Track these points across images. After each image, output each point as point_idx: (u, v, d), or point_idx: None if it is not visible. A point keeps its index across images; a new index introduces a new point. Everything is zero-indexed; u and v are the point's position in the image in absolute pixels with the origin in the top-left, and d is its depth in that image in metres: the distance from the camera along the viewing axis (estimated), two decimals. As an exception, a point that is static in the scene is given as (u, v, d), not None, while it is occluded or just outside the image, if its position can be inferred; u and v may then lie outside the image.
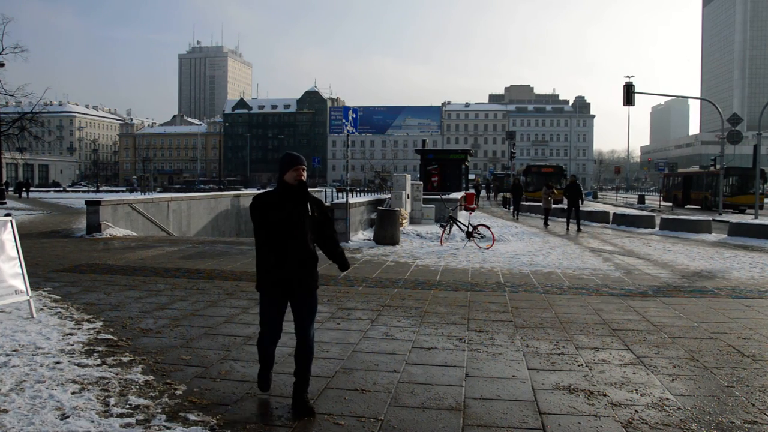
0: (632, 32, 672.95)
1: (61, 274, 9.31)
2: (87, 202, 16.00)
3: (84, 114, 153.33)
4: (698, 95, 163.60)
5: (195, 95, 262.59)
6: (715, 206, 33.32)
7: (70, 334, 5.71)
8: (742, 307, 7.60)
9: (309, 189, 3.98)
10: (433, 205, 19.99)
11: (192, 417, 3.80)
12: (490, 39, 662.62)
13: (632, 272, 10.42)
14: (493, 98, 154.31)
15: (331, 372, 4.75)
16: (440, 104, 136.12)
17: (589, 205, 25.70)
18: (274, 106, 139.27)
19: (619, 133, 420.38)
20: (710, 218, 20.53)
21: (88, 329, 5.92)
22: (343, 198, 18.76)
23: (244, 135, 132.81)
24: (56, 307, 6.93)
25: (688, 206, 40.76)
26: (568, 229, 19.71)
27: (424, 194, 20.53)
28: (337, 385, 4.46)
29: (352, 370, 4.81)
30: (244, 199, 25.81)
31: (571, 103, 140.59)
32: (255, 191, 39.07)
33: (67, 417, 3.76)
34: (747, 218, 23.78)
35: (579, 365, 5.02)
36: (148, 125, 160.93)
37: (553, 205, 23.46)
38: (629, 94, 28.66)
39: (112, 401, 4.04)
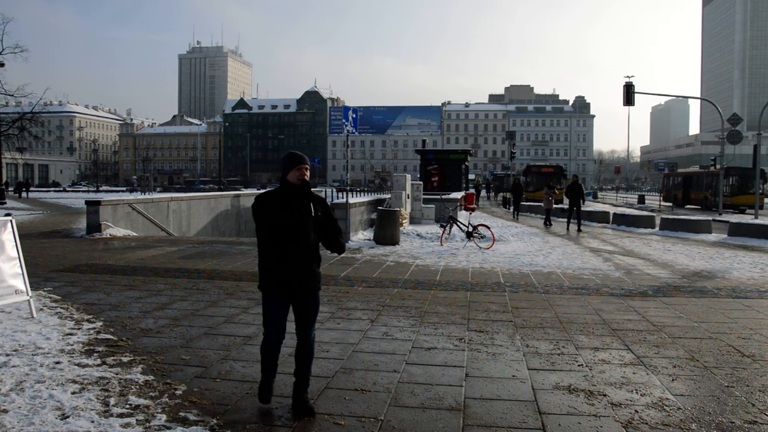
0: (632, 32, 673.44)
1: (61, 274, 9.31)
2: (87, 202, 16.00)
3: (84, 114, 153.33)
4: (698, 95, 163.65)
5: (195, 95, 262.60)
6: (715, 206, 33.32)
7: (70, 334, 5.71)
8: (742, 307, 7.60)
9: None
10: (433, 205, 19.99)
11: (192, 417, 3.80)
12: (490, 39, 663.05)
13: (632, 272, 10.42)
14: (493, 98, 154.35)
15: (331, 372, 4.75)
16: (440, 104, 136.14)
17: (589, 205, 25.75)
18: (274, 106, 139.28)
19: (619, 133, 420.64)
20: (710, 218, 20.54)
21: (88, 329, 5.92)
22: (343, 198, 18.76)
23: (244, 135, 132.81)
24: (56, 307, 6.93)
25: (688, 206, 40.76)
26: (568, 228, 19.71)
27: (424, 194, 20.53)
28: (337, 385, 4.45)
29: (352, 370, 4.81)
30: (244, 199, 25.81)
31: (571, 103, 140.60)
32: (255, 191, 39.06)
33: (67, 417, 3.76)
34: (747, 218, 23.78)
35: (579, 365, 5.02)
36: (148, 125, 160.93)
37: (554, 206, 23.32)
38: (629, 94, 28.66)
39: (112, 401, 4.04)
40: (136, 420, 3.75)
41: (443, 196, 21.41)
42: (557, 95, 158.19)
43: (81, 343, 5.44)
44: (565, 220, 20.82)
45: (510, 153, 58.11)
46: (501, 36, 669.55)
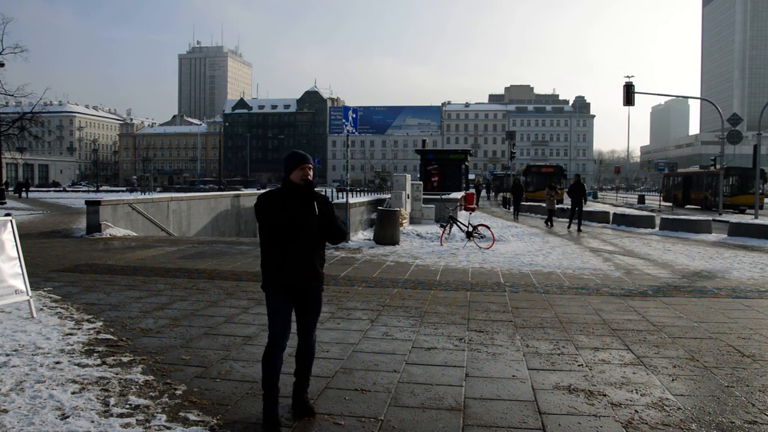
0: (632, 32, 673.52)
1: (61, 274, 9.31)
2: (87, 202, 16.00)
3: (84, 114, 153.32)
4: (698, 95, 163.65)
5: (195, 95, 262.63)
6: (715, 206, 33.32)
7: (70, 334, 5.71)
8: (742, 307, 7.60)
9: None
10: (433, 205, 19.99)
11: (192, 417, 3.80)
12: (490, 39, 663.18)
13: (632, 272, 10.42)
14: (493, 98, 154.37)
15: (331, 372, 4.75)
16: (440, 104, 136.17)
17: (589, 205, 25.69)
18: (274, 106, 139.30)
19: (619, 133, 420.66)
20: (710, 218, 20.54)
21: (88, 329, 5.92)
22: (343, 198, 18.76)
23: (244, 135, 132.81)
24: (56, 307, 6.93)
25: (688, 206, 40.76)
26: (569, 228, 19.66)
27: (424, 194, 20.53)
28: (337, 385, 4.45)
29: (352, 370, 4.81)
30: (244, 199, 25.81)
31: (571, 103, 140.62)
32: (255, 191, 39.07)
33: (67, 417, 3.76)
34: (747, 218, 23.78)
35: (579, 365, 5.02)
36: (148, 125, 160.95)
37: (557, 206, 23.08)
38: (629, 94, 28.66)
39: (112, 401, 4.04)
40: (136, 420, 3.75)
41: (443, 196, 21.41)
42: (557, 95, 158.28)
43: (81, 343, 5.44)
44: (567, 220, 20.79)
45: (510, 153, 58.09)
46: (501, 36, 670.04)
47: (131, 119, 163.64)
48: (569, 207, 21.29)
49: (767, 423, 3.86)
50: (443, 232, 14.87)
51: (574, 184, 19.83)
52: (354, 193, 46.98)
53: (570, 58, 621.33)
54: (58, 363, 4.82)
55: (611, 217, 23.29)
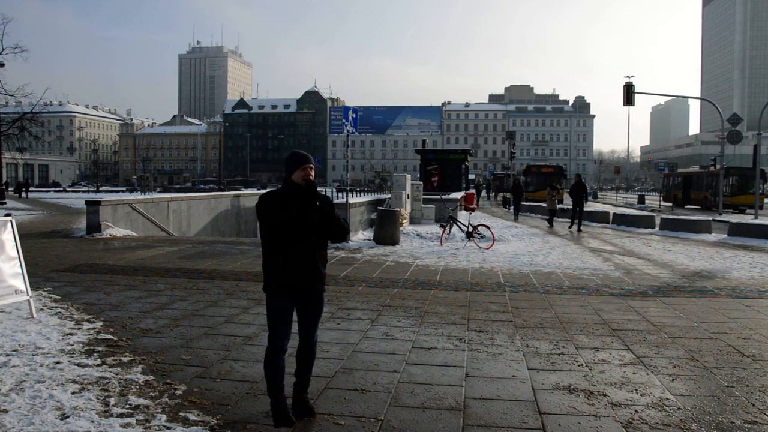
0: (632, 32, 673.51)
1: (61, 274, 9.31)
2: (87, 202, 16.00)
3: (84, 114, 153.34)
4: (698, 95, 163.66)
5: (195, 95, 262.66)
6: (715, 206, 33.32)
7: (70, 334, 5.71)
8: (742, 307, 7.60)
9: None
10: (433, 205, 19.99)
11: (192, 417, 3.80)
12: (490, 39, 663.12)
13: (632, 272, 10.41)
14: (493, 98, 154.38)
15: (331, 372, 4.75)
16: (440, 104, 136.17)
17: (589, 205, 25.75)
18: (274, 106, 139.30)
19: (619, 133, 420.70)
20: (710, 218, 20.54)
21: (88, 329, 5.92)
22: (343, 198, 18.77)
23: (244, 135, 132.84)
24: (56, 307, 6.93)
25: (688, 206, 40.76)
26: (571, 228, 19.58)
27: (424, 194, 20.54)
28: (337, 385, 4.46)
29: (352, 370, 4.81)
30: (244, 199, 25.80)
31: (571, 103, 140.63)
32: (255, 191, 39.07)
33: (67, 417, 3.76)
34: (747, 218, 23.78)
35: (579, 365, 5.02)
36: (148, 125, 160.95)
37: (558, 206, 22.88)
38: (629, 94, 28.66)
39: (112, 401, 4.04)
40: (136, 420, 3.75)
41: (443, 196, 21.42)
42: (557, 95, 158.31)
43: (81, 343, 5.44)
44: (569, 220, 20.74)
45: (510, 153, 58.11)
46: (501, 36, 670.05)
47: (131, 119, 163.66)
48: (570, 207, 21.26)
49: (767, 423, 3.86)
50: (443, 232, 14.87)
51: (576, 184, 19.79)
52: (354, 193, 46.96)
53: (570, 58, 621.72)
54: (58, 363, 4.82)
55: (611, 217, 23.28)
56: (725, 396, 4.34)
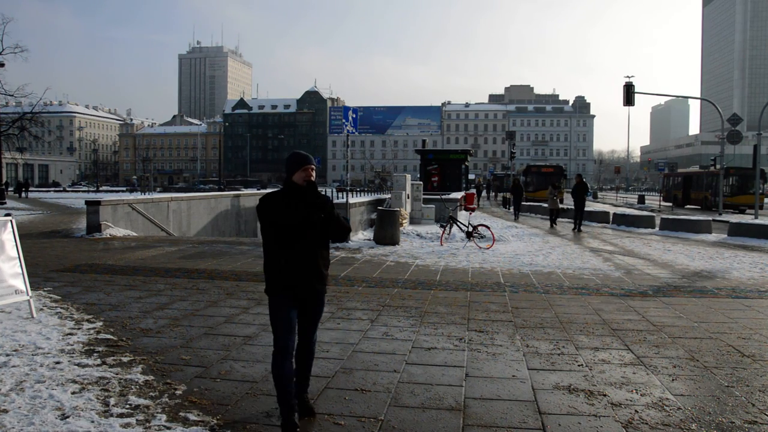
0: (632, 32, 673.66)
1: (61, 274, 9.31)
2: (87, 202, 16.00)
3: (84, 114, 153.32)
4: (698, 95, 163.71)
5: (195, 95, 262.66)
6: (715, 206, 33.32)
7: (70, 334, 5.71)
8: (742, 307, 7.60)
9: None
10: (433, 205, 20.00)
11: (192, 417, 3.80)
12: (490, 39, 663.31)
13: (632, 272, 10.41)
14: (493, 98, 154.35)
15: (331, 372, 4.75)
16: (440, 104, 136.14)
17: (589, 205, 25.68)
18: (274, 106, 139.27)
19: (619, 133, 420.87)
20: (710, 218, 20.53)
21: (88, 329, 5.92)
22: (343, 198, 18.77)
23: (244, 135, 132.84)
24: (56, 307, 6.93)
25: (688, 206, 40.77)
26: (574, 228, 19.43)
27: (424, 194, 20.54)
28: (337, 385, 4.45)
29: (352, 370, 4.81)
30: (244, 199, 25.80)
31: (571, 103, 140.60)
32: (255, 191, 39.07)
33: (67, 417, 3.76)
34: (747, 218, 23.78)
35: (579, 365, 5.02)
36: (148, 125, 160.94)
37: (560, 206, 22.69)
38: (629, 94, 28.66)
39: (112, 401, 4.04)
40: (136, 420, 3.75)
41: (443, 196, 21.42)
42: (557, 95, 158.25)
43: (81, 343, 5.44)
44: (570, 220, 20.67)
45: (510, 153, 58.11)
46: (501, 36, 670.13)
47: (131, 119, 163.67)
48: (570, 207, 21.21)
49: (767, 423, 3.86)
50: (443, 232, 14.87)
51: (577, 185, 19.72)
52: (354, 193, 46.98)
53: (570, 58, 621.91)
54: (58, 363, 4.82)
55: (611, 217, 23.27)
56: (725, 396, 4.33)
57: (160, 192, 64.21)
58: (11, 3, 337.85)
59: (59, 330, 5.86)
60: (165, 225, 18.58)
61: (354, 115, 16.35)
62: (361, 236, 15.56)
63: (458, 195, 24.25)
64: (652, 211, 32.59)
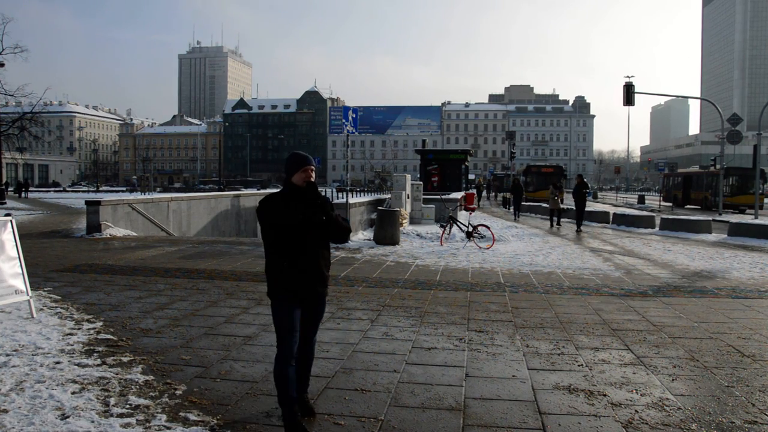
0: (633, 32, 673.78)
1: (61, 274, 9.31)
2: (87, 202, 16.00)
3: (84, 114, 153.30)
4: (698, 95, 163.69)
5: (195, 95, 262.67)
6: (715, 206, 33.32)
7: (70, 334, 5.71)
8: (742, 307, 7.60)
9: None
10: (433, 205, 19.99)
11: (192, 417, 3.80)
12: (491, 39, 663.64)
13: (632, 272, 10.41)
14: (493, 98, 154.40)
15: (331, 372, 4.75)
16: (440, 104, 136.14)
17: (589, 205, 25.67)
18: (274, 106, 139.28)
19: (619, 133, 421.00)
20: (710, 218, 20.53)
21: (88, 329, 5.92)
22: (343, 198, 18.77)
23: (244, 135, 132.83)
24: (56, 307, 6.93)
25: (688, 206, 40.77)
26: (578, 229, 19.31)
27: (424, 194, 20.54)
28: (337, 385, 4.45)
29: (352, 370, 4.81)
30: (244, 199, 25.80)
31: (571, 103, 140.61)
32: (255, 191, 39.07)
33: (67, 417, 3.76)
34: (747, 218, 23.78)
35: (579, 365, 5.02)
36: (148, 125, 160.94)
37: (561, 206, 22.47)
38: (629, 94, 28.67)
39: (112, 401, 4.04)
40: (136, 420, 3.75)
41: (443, 196, 21.42)
42: (557, 95, 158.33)
43: (81, 343, 5.44)
44: (572, 220, 20.61)
45: (510, 153, 58.13)
46: (502, 36, 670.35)
47: (131, 119, 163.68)
48: (572, 207, 21.16)
49: (767, 423, 3.86)
50: (443, 232, 14.87)
51: (579, 185, 19.66)
52: (354, 193, 46.97)
53: (571, 58, 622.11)
54: (58, 363, 4.82)
55: (611, 217, 23.27)
56: (725, 396, 4.33)
57: (160, 192, 64.21)
58: (11, 3, 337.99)
59: (59, 330, 5.86)
60: (165, 225, 18.59)
61: (354, 115, 16.35)
62: (361, 236, 15.56)
63: (458, 195, 24.25)
64: (652, 211, 32.60)
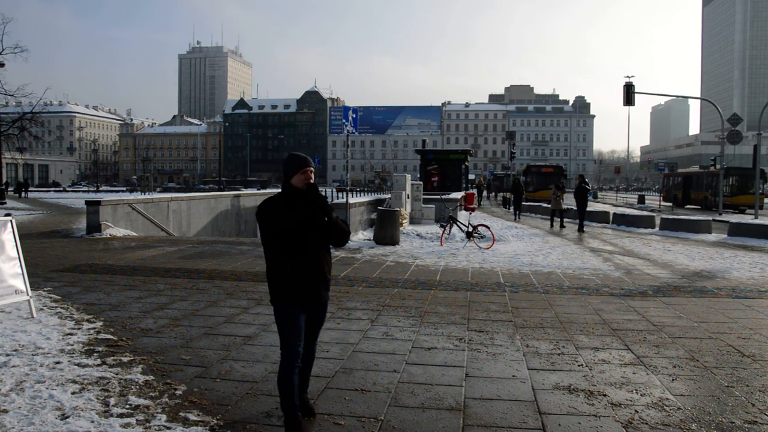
0: (632, 32, 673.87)
1: (61, 274, 9.31)
2: (87, 202, 16.00)
3: (84, 114, 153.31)
4: (698, 95, 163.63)
5: (195, 95, 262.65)
6: (715, 206, 33.32)
7: (70, 334, 5.71)
8: (742, 307, 7.60)
9: None
10: (433, 205, 19.99)
11: (192, 417, 3.80)
12: (490, 39, 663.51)
13: (632, 272, 10.41)
14: (493, 98, 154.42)
15: (331, 372, 4.75)
16: (440, 104, 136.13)
17: (589, 205, 25.63)
18: (274, 106, 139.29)
19: (619, 133, 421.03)
20: (710, 218, 20.52)
21: (88, 329, 5.92)
22: (343, 198, 18.77)
23: (244, 135, 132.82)
24: (56, 307, 6.93)
25: (688, 206, 40.76)
26: (580, 229, 19.26)
27: (424, 194, 20.54)
28: (337, 385, 4.45)
29: (352, 370, 4.81)
30: (244, 199, 25.80)
31: (571, 103, 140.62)
32: (255, 191, 39.07)
33: (67, 417, 3.76)
34: (747, 218, 23.77)
35: (579, 365, 5.02)
36: (148, 125, 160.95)
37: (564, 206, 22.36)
38: (629, 94, 28.66)
39: (112, 401, 4.04)
40: (136, 420, 3.75)
41: (443, 196, 21.42)
42: (557, 95, 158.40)
43: (81, 343, 5.44)
44: (573, 220, 20.57)
45: (510, 153, 58.10)
46: (501, 36, 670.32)
47: (131, 119, 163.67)
48: (572, 207, 21.13)
49: (767, 423, 3.86)
50: (443, 232, 14.87)
51: (580, 185, 19.62)
52: (354, 193, 46.96)
53: (570, 58, 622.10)
54: (58, 363, 4.82)
55: (611, 217, 23.26)
56: (725, 396, 4.33)
57: (160, 192, 64.21)
58: (11, 3, 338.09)
59: (59, 330, 5.86)
60: (165, 225, 18.59)
61: (354, 115, 16.35)
62: (361, 236, 15.56)
63: (458, 195, 24.25)
64: (652, 211, 32.59)
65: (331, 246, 3.80)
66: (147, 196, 28.89)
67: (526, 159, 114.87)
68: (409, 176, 18.96)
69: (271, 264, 3.58)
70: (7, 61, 33.61)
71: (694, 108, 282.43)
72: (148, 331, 5.91)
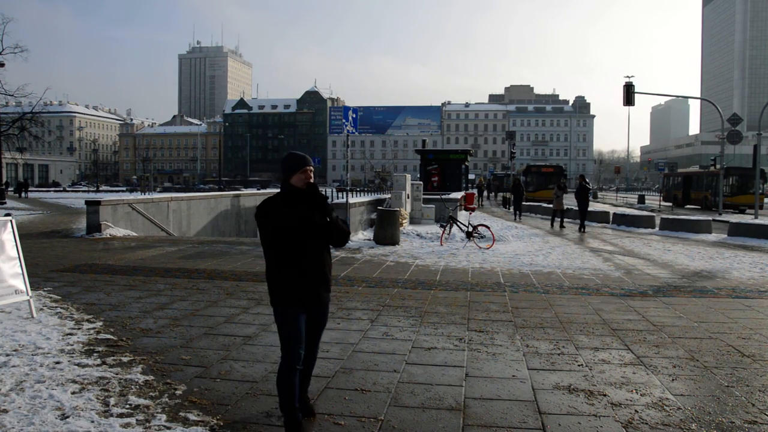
0: (632, 32, 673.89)
1: (61, 274, 9.31)
2: (87, 202, 16.00)
3: (84, 114, 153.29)
4: (698, 95, 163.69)
5: (195, 95, 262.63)
6: (715, 206, 33.32)
7: (70, 334, 5.71)
8: (742, 307, 7.60)
9: None
10: (433, 205, 19.99)
11: (192, 417, 3.80)
12: (490, 39, 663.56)
13: (632, 272, 10.41)
14: (493, 98, 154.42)
15: (331, 372, 4.75)
16: (440, 104, 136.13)
17: (589, 205, 25.59)
18: (274, 106, 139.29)
19: (619, 133, 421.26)
20: (710, 218, 20.52)
21: (88, 329, 5.92)
22: (343, 198, 18.77)
23: (244, 135, 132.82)
24: (56, 307, 6.93)
25: (688, 206, 40.76)
26: (580, 229, 19.25)
27: (424, 194, 20.53)
28: (337, 385, 4.45)
29: (352, 370, 4.81)
30: (244, 199, 25.81)
31: (571, 103, 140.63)
32: (255, 191, 39.07)
33: (67, 417, 3.76)
34: (747, 218, 23.77)
35: (579, 365, 5.02)
36: (148, 125, 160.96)
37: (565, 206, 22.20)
38: (629, 94, 28.66)
39: (112, 401, 4.04)
40: (136, 420, 3.75)
41: (443, 196, 21.42)
42: (557, 95, 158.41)
43: (81, 343, 5.44)
44: (573, 220, 20.54)
45: (510, 153, 58.07)
46: (501, 36, 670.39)
47: (131, 119, 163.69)
48: (573, 208, 21.10)
49: (767, 423, 3.86)
50: (443, 232, 14.87)
51: (582, 185, 19.61)
52: (354, 193, 46.95)
53: (570, 58, 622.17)
54: (58, 363, 4.82)
55: (611, 217, 23.27)
56: (725, 396, 4.33)
57: (160, 192, 64.20)
58: (11, 3, 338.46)
59: (59, 330, 5.86)
60: (165, 225, 18.58)
61: (354, 115, 16.36)
62: (361, 236, 15.56)
63: (458, 195, 24.25)
64: (652, 211, 32.59)
65: (331, 246, 3.78)
66: (147, 196, 28.89)
67: (526, 159, 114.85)
68: (409, 176, 18.96)
69: (271, 264, 3.55)
70: (7, 61, 33.67)
71: (694, 108, 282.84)
72: (148, 331, 5.91)
